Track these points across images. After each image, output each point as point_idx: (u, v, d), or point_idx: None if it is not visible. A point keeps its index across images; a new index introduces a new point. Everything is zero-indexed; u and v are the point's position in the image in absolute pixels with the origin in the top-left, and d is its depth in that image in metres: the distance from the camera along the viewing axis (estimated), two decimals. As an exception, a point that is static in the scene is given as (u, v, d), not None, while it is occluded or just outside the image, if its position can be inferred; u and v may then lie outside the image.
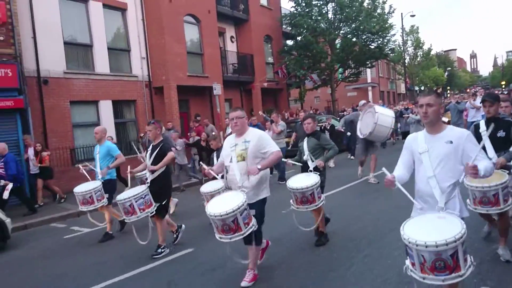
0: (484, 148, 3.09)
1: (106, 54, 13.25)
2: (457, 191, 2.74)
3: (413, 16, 33.74)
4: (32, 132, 10.64)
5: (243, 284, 3.96)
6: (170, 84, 14.45)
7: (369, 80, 38.13)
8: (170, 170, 5.85)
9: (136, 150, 6.92)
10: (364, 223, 5.76)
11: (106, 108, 13.19)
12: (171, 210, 7.13)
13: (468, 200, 3.80)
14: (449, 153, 2.70)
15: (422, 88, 47.84)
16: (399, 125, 15.81)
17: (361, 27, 21.54)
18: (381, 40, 23.02)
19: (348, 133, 13.05)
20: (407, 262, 2.51)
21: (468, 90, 51.50)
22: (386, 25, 22.52)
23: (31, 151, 9.89)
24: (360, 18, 21.56)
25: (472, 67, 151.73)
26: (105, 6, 13.27)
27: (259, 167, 3.86)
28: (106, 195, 6.32)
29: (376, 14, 22.40)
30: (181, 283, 4.32)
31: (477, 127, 4.24)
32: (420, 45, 48.10)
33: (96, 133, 6.65)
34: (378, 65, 34.34)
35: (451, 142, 2.70)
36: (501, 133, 4.03)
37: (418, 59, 48.74)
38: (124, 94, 13.85)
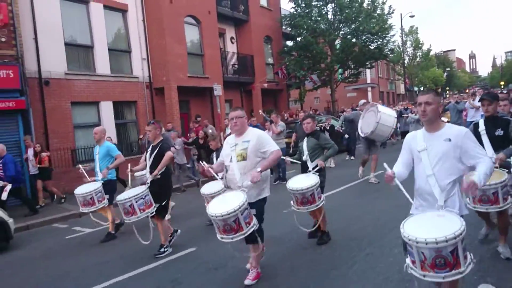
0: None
1: (107, 55, 13.28)
2: (457, 189, 2.75)
3: (412, 16, 33.82)
4: (34, 133, 10.67)
5: (246, 282, 3.99)
6: (171, 85, 14.49)
7: (368, 81, 38.21)
8: (170, 171, 5.87)
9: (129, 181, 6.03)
10: (365, 223, 5.79)
11: (107, 109, 13.22)
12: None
13: (467, 199, 3.82)
14: (448, 151, 2.71)
15: (422, 88, 47.89)
16: (398, 124, 15.83)
17: (361, 28, 21.60)
18: (381, 40, 23.07)
19: (346, 135, 13.12)
20: (407, 260, 2.52)
21: (467, 91, 51.59)
22: (386, 26, 22.57)
23: (30, 152, 9.92)
24: (360, 19, 21.62)
25: (471, 67, 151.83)
26: (105, 7, 13.31)
27: (259, 169, 3.85)
28: (107, 196, 6.34)
29: (375, 14, 22.45)
30: (185, 282, 4.34)
31: (476, 126, 4.25)
32: (420, 45, 48.19)
33: (96, 134, 6.67)
34: (377, 65, 34.39)
35: (450, 140, 2.71)
36: (499, 132, 4.04)
37: (418, 60, 48.82)
38: (125, 95, 13.88)
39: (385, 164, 3.01)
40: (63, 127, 11.87)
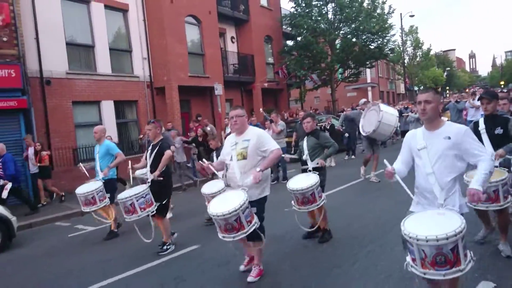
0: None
1: (108, 55, 13.32)
2: (458, 187, 2.75)
3: (412, 16, 33.83)
4: (35, 132, 10.71)
5: (249, 279, 4.02)
6: (172, 85, 14.52)
7: (368, 80, 38.23)
8: (170, 170, 5.89)
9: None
10: (366, 221, 5.82)
11: (108, 108, 13.26)
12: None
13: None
14: (448, 149, 2.70)
15: (422, 88, 47.89)
16: (398, 124, 15.84)
17: (361, 27, 21.62)
18: (381, 40, 23.10)
19: (346, 134, 13.14)
20: (408, 258, 2.53)
21: (467, 90, 51.57)
22: (386, 25, 22.61)
23: (31, 151, 9.95)
24: (360, 19, 21.64)
25: (471, 67, 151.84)
26: (106, 7, 13.34)
27: (258, 169, 3.85)
28: (108, 195, 6.36)
29: (375, 14, 22.48)
30: (189, 279, 4.38)
31: (476, 124, 4.27)
32: (420, 45, 48.19)
33: (96, 133, 6.69)
34: (377, 65, 34.42)
35: (449, 138, 2.70)
36: (499, 130, 4.05)
37: (418, 59, 48.81)
38: (126, 94, 13.92)
39: (385, 161, 3.03)
40: (64, 126, 11.91)
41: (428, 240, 2.32)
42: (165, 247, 5.37)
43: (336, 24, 22.81)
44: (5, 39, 10.13)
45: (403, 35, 37.58)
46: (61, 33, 11.94)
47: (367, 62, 24.15)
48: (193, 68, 15.67)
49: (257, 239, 3.97)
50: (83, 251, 6.08)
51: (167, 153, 5.43)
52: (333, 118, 14.79)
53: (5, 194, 8.22)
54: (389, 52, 25.00)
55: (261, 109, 16.09)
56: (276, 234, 5.37)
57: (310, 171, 5.05)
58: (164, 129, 9.94)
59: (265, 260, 4.35)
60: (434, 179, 2.73)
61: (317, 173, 4.92)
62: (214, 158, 6.43)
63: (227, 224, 3.64)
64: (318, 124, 7.14)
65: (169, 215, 6.21)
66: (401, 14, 33.82)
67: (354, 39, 22.67)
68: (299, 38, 22.50)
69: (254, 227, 3.75)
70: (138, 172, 6.45)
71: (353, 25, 22.25)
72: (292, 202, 4.91)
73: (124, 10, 14.06)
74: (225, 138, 7.25)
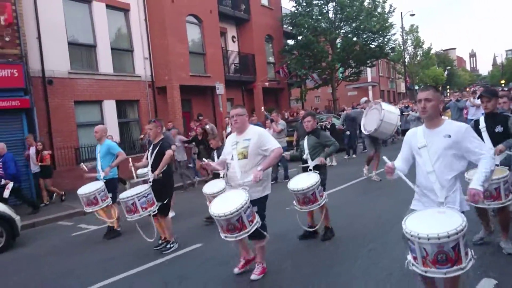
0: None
1: (110, 54, 13.36)
2: (458, 185, 2.76)
3: (412, 15, 33.79)
4: (38, 132, 10.75)
5: (252, 277, 4.05)
6: (173, 84, 14.55)
7: (369, 79, 38.19)
8: (171, 169, 5.91)
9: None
10: (367, 220, 5.85)
11: (109, 107, 13.31)
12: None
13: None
14: (448, 147, 2.70)
15: (422, 87, 47.84)
16: (399, 122, 15.84)
17: (362, 27, 21.64)
18: (382, 39, 23.12)
19: (347, 132, 13.15)
20: (409, 257, 2.54)
21: (467, 89, 51.55)
22: (387, 24, 22.62)
23: (32, 150, 9.98)
24: (361, 18, 21.66)
25: (472, 66, 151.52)
26: (108, 6, 13.38)
27: (259, 168, 3.87)
28: (110, 194, 6.38)
29: (376, 13, 22.50)
30: (192, 278, 4.40)
31: (477, 123, 4.29)
32: (420, 44, 48.12)
33: (96, 132, 6.71)
34: (378, 64, 34.40)
35: (449, 136, 2.69)
36: (499, 129, 4.07)
37: (418, 58, 48.73)
38: (128, 94, 13.96)
39: (384, 157, 3.03)
40: (66, 126, 11.96)
41: (429, 238, 2.33)
42: (168, 246, 5.40)
43: (336, 23, 22.83)
44: (7, 38, 10.17)
45: (404, 34, 37.58)
46: (63, 33, 11.98)
47: (368, 61, 24.16)
48: (194, 67, 15.71)
49: (259, 237, 3.98)
50: (85, 250, 6.11)
51: (168, 152, 5.45)
52: (333, 117, 14.81)
53: (6, 193, 8.25)
54: (389, 51, 24.99)
55: (262, 108, 16.12)
56: (277, 233, 5.38)
57: (310, 170, 5.06)
58: (164, 129, 9.98)
59: (266, 259, 4.37)
60: (434, 177, 2.73)
61: (318, 172, 4.93)
62: (215, 157, 6.45)
63: (229, 224, 3.65)
64: (318, 123, 7.16)
65: (171, 214, 6.24)
66: (401, 13, 33.84)
67: (354, 38, 22.67)
68: (299, 37, 22.51)
69: (256, 226, 3.77)
70: (139, 172, 6.46)
71: (353, 24, 22.26)
72: (294, 202, 4.93)
73: (125, 9, 14.10)
74: (226, 137, 7.27)
